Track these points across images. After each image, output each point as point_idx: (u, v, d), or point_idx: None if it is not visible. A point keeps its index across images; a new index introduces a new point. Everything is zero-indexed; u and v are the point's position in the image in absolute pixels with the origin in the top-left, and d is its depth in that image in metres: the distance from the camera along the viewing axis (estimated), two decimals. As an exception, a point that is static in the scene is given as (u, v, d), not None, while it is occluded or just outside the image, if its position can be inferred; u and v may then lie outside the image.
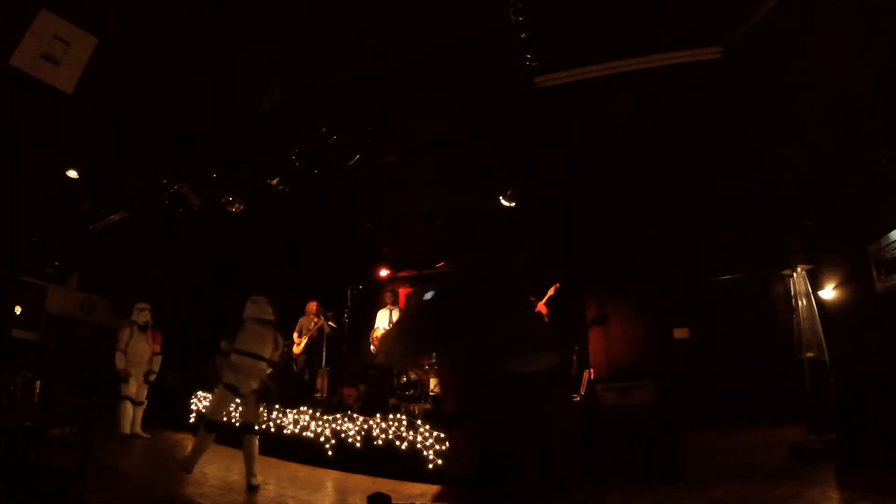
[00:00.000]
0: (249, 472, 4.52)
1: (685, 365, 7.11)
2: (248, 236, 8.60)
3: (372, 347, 7.58)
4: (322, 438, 5.78)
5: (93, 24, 3.80)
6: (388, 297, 7.88)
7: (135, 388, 6.73)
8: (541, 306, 6.36)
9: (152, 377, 6.96)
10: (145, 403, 6.92)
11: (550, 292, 6.40)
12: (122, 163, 6.63)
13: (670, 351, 7.50)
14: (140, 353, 6.81)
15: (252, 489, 4.43)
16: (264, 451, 6.03)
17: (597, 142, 6.17)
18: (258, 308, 4.89)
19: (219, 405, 4.73)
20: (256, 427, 4.77)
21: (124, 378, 6.63)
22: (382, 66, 5.06)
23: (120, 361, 6.65)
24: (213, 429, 4.56)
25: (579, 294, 8.54)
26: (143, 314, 6.92)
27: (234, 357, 4.69)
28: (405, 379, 7.09)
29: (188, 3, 4.31)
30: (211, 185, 6.89)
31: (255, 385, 4.72)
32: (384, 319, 7.66)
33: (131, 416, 6.62)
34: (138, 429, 6.72)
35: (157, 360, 7.04)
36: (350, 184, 7.02)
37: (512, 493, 1.43)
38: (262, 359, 4.74)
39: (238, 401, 5.00)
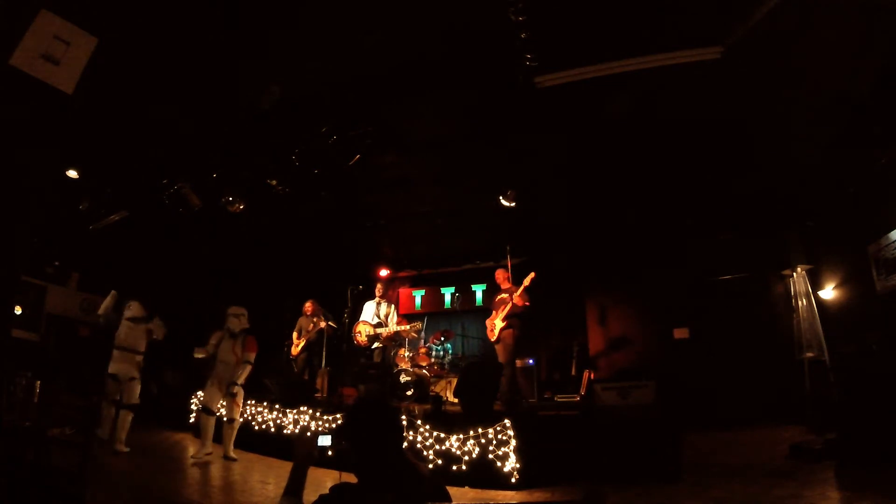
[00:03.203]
0: (119, 440, 5.48)
1: (685, 365, 7.11)
2: (248, 236, 8.61)
3: (355, 340, 7.57)
4: (322, 438, 5.73)
5: (93, 24, 3.79)
6: (378, 289, 7.77)
7: (217, 400, 5.88)
8: (517, 298, 6.30)
9: (235, 389, 5.84)
10: (237, 421, 5.88)
11: (526, 282, 6.34)
12: (122, 163, 6.63)
13: (670, 351, 7.51)
14: (226, 362, 5.92)
15: (117, 453, 5.37)
16: (265, 451, 6.06)
17: (597, 142, 6.17)
18: (130, 310, 6.04)
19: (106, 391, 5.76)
20: (134, 404, 5.76)
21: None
22: (382, 66, 5.06)
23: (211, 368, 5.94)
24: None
25: (579, 294, 8.55)
26: (239, 320, 6.03)
27: (114, 352, 5.83)
28: (405, 379, 7.10)
29: (188, 2, 4.31)
30: (211, 185, 6.88)
31: (134, 373, 5.82)
32: (369, 312, 7.63)
33: (211, 433, 5.72)
34: (230, 450, 5.75)
35: (245, 370, 5.96)
36: (350, 184, 7.02)
37: None
38: (138, 352, 5.91)
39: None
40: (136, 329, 5.98)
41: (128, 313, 6.02)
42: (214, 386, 5.89)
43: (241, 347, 5.98)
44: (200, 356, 6.17)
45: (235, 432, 5.87)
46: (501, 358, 6.49)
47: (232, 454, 5.76)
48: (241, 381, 5.92)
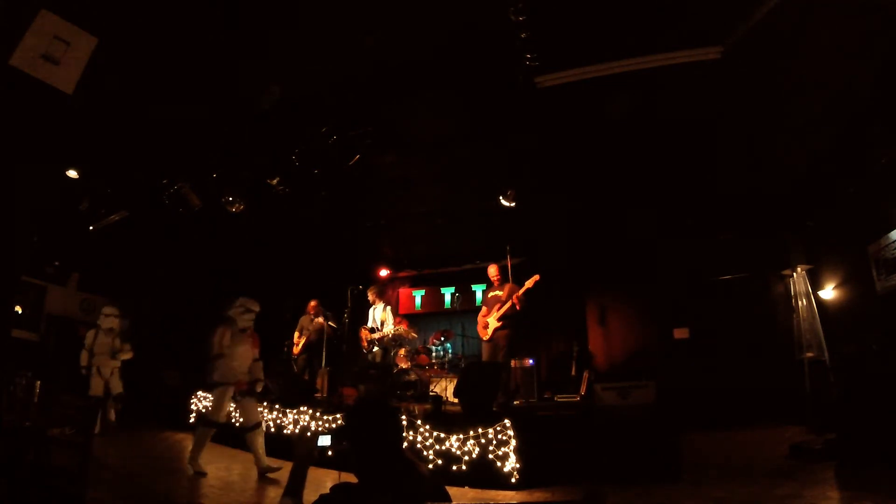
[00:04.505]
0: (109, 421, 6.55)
1: (685, 365, 7.11)
2: (248, 236, 8.61)
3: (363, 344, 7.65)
4: (322, 438, 5.72)
5: (93, 24, 3.80)
6: (370, 297, 7.86)
7: (227, 408, 5.19)
8: (515, 299, 6.22)
9: (260, 387, 5.34)
10: (262, 426, 5.24)
11: (529, 284, 6.22)
12: (122, 163, 6.63)
13: (670, 351, 7.50)
14: (241, 364, 5.19)
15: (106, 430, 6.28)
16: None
17: (597, 142, 6.17)
18: (102, 319, 6.88)
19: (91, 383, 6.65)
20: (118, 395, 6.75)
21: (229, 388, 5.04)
22: (382, 66, 5.07)
23: (223, 371, 5.02)
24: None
25: (579, 294, 8.55)
26: (247, 316, 5.30)
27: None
28: (406, 379, 7.11)
29: (188, 2, 4.31)
30: (211, 185, 6.88)
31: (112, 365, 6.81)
32: (369, 317, 7.76)
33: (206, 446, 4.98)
34: (265, 463, 4.98)
35: (260, 367, 5.40)
36: (350, 184, 7.02)
37: None
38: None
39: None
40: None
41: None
42: (228, 393, 5.07)
43: (252, 344, 5.34)
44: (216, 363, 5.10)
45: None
46: (493, 357, 6.41)
47: (269, 464, 4.98)
48: (262, 377, 5.42)
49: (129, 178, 6.98)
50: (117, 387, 6.82)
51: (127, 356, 6.94)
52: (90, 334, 6.84)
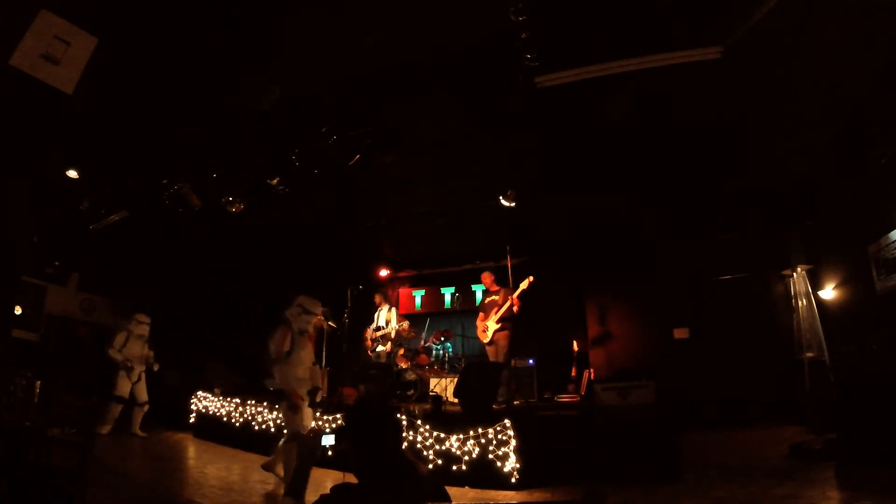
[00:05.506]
0: (136, 426, 6.74)
1: (685, 365, 7.11)
2: (248, 236, 8.61)
3: (367, 344, 7.75)
4: (322, 438, 5.71)
5: (93, 24, 3.79)
6: (377, 297, 8.13)
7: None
8: (513, 299, 6.33)
9: (319, 397, 4.78)
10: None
11: (523, 286, 6.36)
12: (122, 163, 6.63)
13: (670, 351, 7.50)
14: (306, 365, 4.66)
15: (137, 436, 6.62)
16: (265, 451, 6.04)
17: (596, 141, 6.17)
18: (136, 325, 6.99)
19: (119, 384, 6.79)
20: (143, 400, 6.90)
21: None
22: (382, 66, 5.07)
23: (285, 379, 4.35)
24: (120, 401, 6.74)
25: (579, 294, 8.55)
26: (305, 318, 4.61)
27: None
28: (406, 379, 7.11)
29: (188, 2, 4.31)
30: (211, 185, 6.89)
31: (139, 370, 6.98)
32: (375, 320, 8.01)
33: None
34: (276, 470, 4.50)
35: (318, 373, 4.90)
36: (350, 184, 7.03)
37: None
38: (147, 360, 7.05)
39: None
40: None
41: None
42: (307, 401, 4.49)
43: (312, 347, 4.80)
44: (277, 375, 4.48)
45: None
46: (495, 358, 6.53)
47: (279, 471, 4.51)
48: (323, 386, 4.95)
49: (129, 178, 6.97)
50: (143, 394, 6.88)
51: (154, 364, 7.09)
52: (120, 337, 6.87)
